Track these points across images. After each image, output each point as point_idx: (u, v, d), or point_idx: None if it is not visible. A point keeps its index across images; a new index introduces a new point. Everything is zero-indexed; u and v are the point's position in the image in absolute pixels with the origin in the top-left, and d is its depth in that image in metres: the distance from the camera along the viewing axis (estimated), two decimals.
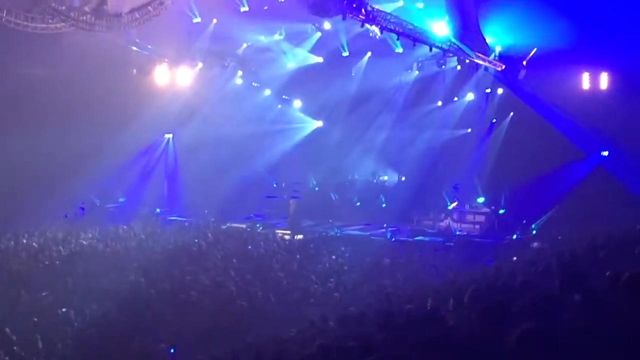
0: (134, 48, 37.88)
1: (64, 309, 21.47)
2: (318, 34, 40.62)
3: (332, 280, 25.50)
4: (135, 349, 18.36)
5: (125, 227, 37.09)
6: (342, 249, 32.51)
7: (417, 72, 41.07)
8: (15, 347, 18.24)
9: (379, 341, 10.61)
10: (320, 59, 42.43)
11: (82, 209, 40.29)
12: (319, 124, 47.19)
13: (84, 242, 32.48)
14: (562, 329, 7.88)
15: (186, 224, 39.35)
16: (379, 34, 33.68)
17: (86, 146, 38.13)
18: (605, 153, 36.40)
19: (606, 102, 34.32)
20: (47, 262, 27.96)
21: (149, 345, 18.54)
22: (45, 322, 20.50)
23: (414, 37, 32.80)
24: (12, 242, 31.77)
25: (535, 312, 9.00)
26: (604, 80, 35.27)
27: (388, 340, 10.65)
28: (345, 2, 29.36)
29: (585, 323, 7.89)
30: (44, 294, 23.21)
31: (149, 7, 28.73)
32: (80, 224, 37.11)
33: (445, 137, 43.03)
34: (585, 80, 35.53)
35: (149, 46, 38.41)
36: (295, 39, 41.62)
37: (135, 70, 39.44)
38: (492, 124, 41.94)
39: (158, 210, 43.40)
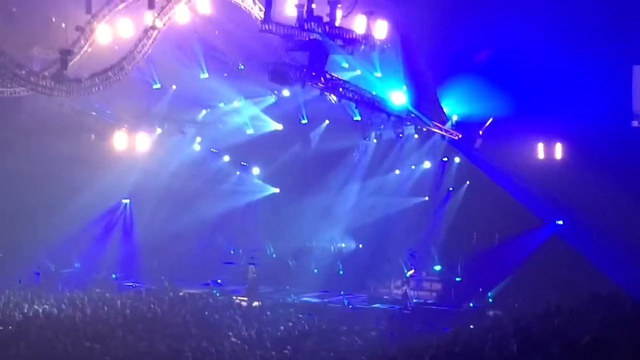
0: (93, 113, 37.80)
1: None
2: (274, 99, 40.80)
3: (288, 347, 25.27)
4: None
5: (80, 292, 36.63)
6: (300, 315, 32.32)
7: (375, 140, 41.32)
8: None
9: None
10: (279, 126, 42.64)
11: (37, 274, 39.89)
12: (275, 190, 47.26)
13: (38, 308, 32.02)
14: None
15: (142, 289, 38.94)
16: (336, 100, 33.92)
17: (42, 209, 37.90)
18: (560, 222, 36.74)
19: (561, 171, 34.78)
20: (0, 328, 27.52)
21: None
22: None
23: (372, 105, 33.15)
24: None
25: None
26: (559, 150, 35.76)
27: None
28: (305, 70, 29.66)
29: None
30: None
31: (110, 73, 28.68)
32: (35, 289, 36.66)
33: (402, 205, 43.21)
34: (540, 150, 35.99)
35: (108, 112, 38.36)
36: (255, 106, 41.83)
37: (93, 135, 39.33)
38: (449, 192, 42.30)
39: (114, 275, 42.98)
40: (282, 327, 29.55)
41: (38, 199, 37.57)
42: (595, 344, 8.50)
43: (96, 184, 40.71)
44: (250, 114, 42.08)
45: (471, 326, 25.93)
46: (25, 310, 31.29)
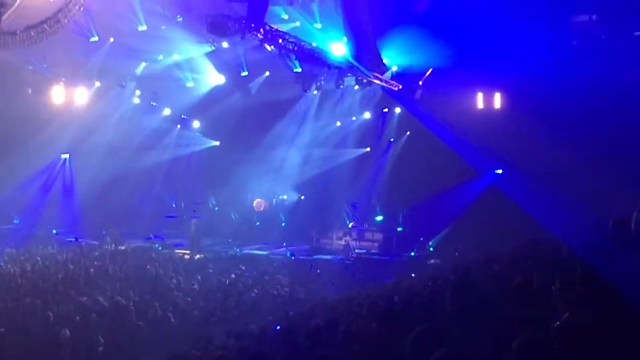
0: (30, 67, 37.19)
1: None
2: (212, 50, 40.35)
3: (231, 298, 25.37)
4: None
5: (20, 249, 36.32)
6: (242, 267, 32.44)
7: (315, 91, 41.22)
8: None
9: (281, 356, 10.67)
10: (221, 79, 42.23)
11: None
12: (215, 143, 47.06)
13: None
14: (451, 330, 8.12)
15: (83, 244, 38.71)
16: (276, 51, 33.74)
17: None
18: (499, 171, 37.08)
19: (499, 121, 35.00)
20: None
21: None
22: None
23: (312, 57, 33.07)
24: None
25: (427, 317, 9.21)
26: (497, 100, 35.88)
27: (288, 356, 10.71)
28: (244, 22, 29.46)
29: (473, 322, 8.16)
30: None
31: (45, 25, 28.18)
32: None
33: (343, 157, 43.41)
34: (479, 100, 36.08)
35: (45, 65, 37.74)
36: (194, 59, 41.38)
37: (30, 90, 38.71)
38: (390, 143, 42.49)
39: (54, 231, 42.69)
40: (225, 280, 29.66)
41: None
42: (525, 285, 8.77)
43: (34, 139, 40.19)
44: (190, 66, 41.61)
45: (412, 275, 26.20)
46: None
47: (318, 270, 32.46)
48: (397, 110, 41.39)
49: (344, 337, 10.72)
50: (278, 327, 14.88)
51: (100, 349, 18.64)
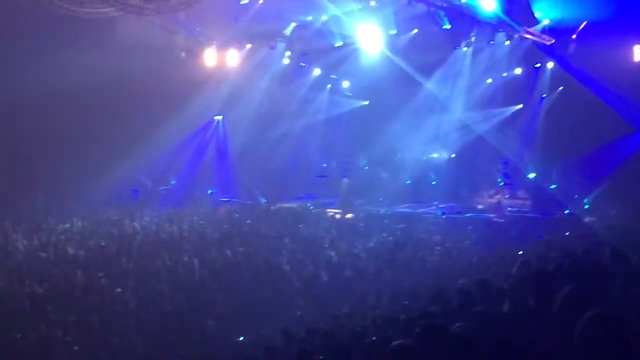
0: (182, 31, 38.09)
1: (119, 289, 21.77)
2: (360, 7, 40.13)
3: (383, 258, 25.51)
4: (189, 327, 18.64)
5: (178, 208, 37.45)
6: (393, 227, 32.55)
7: (465, 48, 40.61)
8: (71, 328, 18.54)
9: (432, 314, 10.71)
10: (370, 38, 42.03)
11: (136, 191, 40.77)
12: (364, 102, 46.98)
13: (137, 225, 32.88)
14: (611, 295, 7.93)
15: (237, 204, 39.59)
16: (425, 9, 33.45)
17: (137, 130, 38.48)
18: None
19: None
20: (102, 244, 28.36)
21: (202, 322, 18.83)
22: (101, 303, 20.80)
23: (461, 13, 32.64)
24: (68, 225, 32.31)
25: (582, 277, 9.04)
26: None
27: (440, 313, 10.76)
28: None
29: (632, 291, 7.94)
30: (99, 274, 23.50)
31: None
32: (133, 207, 37.58)
33: (495, 114, 42.68)
34: (636, 53, 34.85)
35: (197, 29, 38.59)
36: (342, 18, 41.37)
37: (184, 54, 39.64)
38: (542, 99, 41.51)
39: (210, 191, 43.70)
40: (375, 238, 29.84)
41: (133, 119, 38.19)
42: None
43: (189, 101, 41.07)
44: (339, 26, 41.62)
45: (566, 233, 25.73)
46: (125, 227, 32.18)
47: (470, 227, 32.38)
48: (550, 65, 40.28)
49: (496, 296, 10.69)
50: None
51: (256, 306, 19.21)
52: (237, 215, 36.29)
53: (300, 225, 32.78)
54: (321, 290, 21.47)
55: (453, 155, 44.86)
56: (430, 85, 43.15)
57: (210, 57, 39.37)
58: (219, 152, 47.22)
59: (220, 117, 47.00)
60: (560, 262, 12.21)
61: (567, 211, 35.03)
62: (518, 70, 41.51)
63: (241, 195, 42.74)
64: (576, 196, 36.17)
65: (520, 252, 20.36)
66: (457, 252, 26.59)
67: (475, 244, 28.23)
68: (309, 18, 40.73)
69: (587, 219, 32.23)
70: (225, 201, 41.93)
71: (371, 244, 28.62)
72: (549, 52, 37.16)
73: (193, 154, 45.76)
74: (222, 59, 40.18)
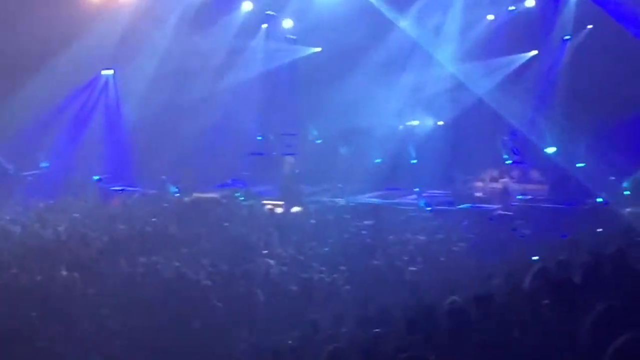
0: None
1: None
2: None
3: (343, 267, 25.57)
4: None
5: (51, 201, 37.19)
6: (357, 224, 32.62)
7: None
8: None
9: (412, 345, 10.79)
10: None
11: None
12: (316, 49, 46.76)
13: None
14: None
15: (136, 195, 39.41)
16: None
17: None
18: None
19: None
20: None
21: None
22: None
23: None
24: None
25: (619, 291, 9.14)
26: None
27: (423, 345, 10.83)
28: None
29: None
30: None
31: None
32: None
33: (499, 65, 42.83)
34: None
35: None
36: None
37: None
38: (564, 42, 41.78)
39: (96, 177, 43.37)
40: (332, 241, 29.89)
41: None
42: None
43: (64, 52, 40.76)
44: None
45: (598, 230, 25.99)
46: None
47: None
48: None
49: (501, 318, 10.79)
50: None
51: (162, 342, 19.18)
52: (135, 210, 36.14)
53: (226, 224, 32.72)
54: (256, 314, 21.49)
55: (441, 124, 45.02)
56: (406, 24, 43.18)
57: None
58: (108, 122, 46.92)
59: (109, 72, 46.62)
60: (590, 270, 12.37)
61: (599, 199, 35.37)
62: (530, 2, 41.72)
63: (141, 182, 42.50)
64: (612, 179, 36.51)
65: (535, 258, 20.53)
66: (448, 259, 26.72)
67: (473, 247, 28.38)
68: None
69: (627, 210, 32.56)
70: (119, 191, 41.68)
71: (326, 249, 28.66)
72: None
73: (71, 125, 45.36)
74: None
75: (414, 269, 25.41)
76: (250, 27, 46.05)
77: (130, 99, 45.57)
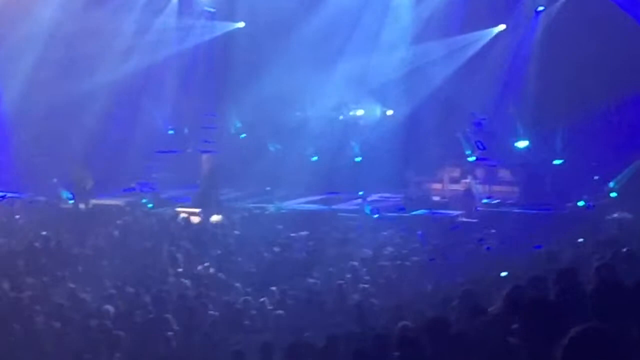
0: None
1: None
2: None
3: (273, 288, 25.63)
4: None
5: None
6: (289, 235, 32.70)
7: None
8: None
9: None
10: None
11: None
12: (239, 25, 46.69)
13: None
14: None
15: (21, 203, 39.27)
16: None
17: None
18: None
19: None
20: None
21: None
22: None
23: None
24: None
25: (602, 311, 9.25)
26: None
27: None
28: None
29: None
30: None
31: None
32: None
33: (459, 44, 43.00)
34: None
35: None
36: None
37: None
38: (537, 14, 42.05)
39: None
40: (260, 257, 29.94)
41: None
42: None
43: None
44: None
45: (579, 240, 26.22)
46: None
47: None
48: None
49: (459, 346, 10.88)
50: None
51: None
52: (21, 221, 36.00)
53: (131, 237, 32.70)
54: (169, 346, 21.46)
55: (390, 113, 45.13)
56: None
57: None
58: None
59: None
60: (569, 287, 12.49)
61: (581, 203, 35.66)
62: None
63: (28, 187, 42.30)
64: (596, 177, 36.81)
65: (504, 274, 20.70)
66: (398, 276, 26.85)
67: (429, 261, 28.54)
68: None
69: (614, 216, 32.85)
70: (0, 198, 41.48)
71: (252, 268, 28.73)
72: None
73: None
74: None
75: (357, 287, 25.55)
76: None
77: (10, 88, 45.23)
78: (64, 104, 43.41)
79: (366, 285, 25.81)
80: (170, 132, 46.39)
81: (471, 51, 42.76)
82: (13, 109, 44.92)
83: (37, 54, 42.99)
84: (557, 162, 38.70)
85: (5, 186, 42.86)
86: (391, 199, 38.91)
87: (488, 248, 29.85)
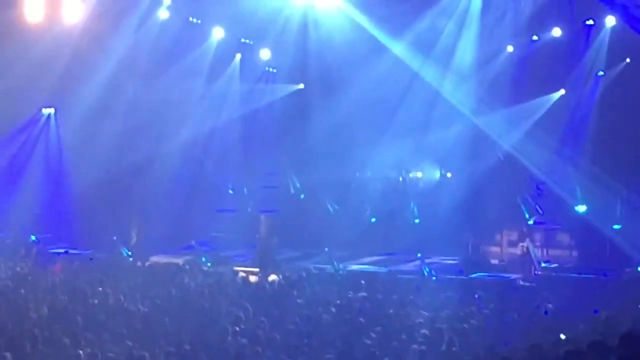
0: None
1: None
2: None
3: (329, 353, 25.47)
4: None
5: None
6: (347, 296, 32.58)
7: None
8: None
9: None
10: None
11: None
12: (298, 86, 46.72)
13: None
14: None
15: (80, 259, 39.31)
16: None
17: None
18: None
19: None
20: None
21: None
22: None
23: None
24: None
25: None
26: None
27: None
28: None
29: None
30: None
31: None
32: None
33: (522, 112, 42.81)
34: None
35: None
36: None
37: None
38: (597, 78, 41.89)
39: (33, 237, 43.25)
40: (319, 318, 29.82)
41: None
42: None
43: None
44: None
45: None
46: None
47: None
48: (610, 21, 40.80)
49: None
50: None
51: None
52: (80, 278, 36.02)
53: (189, 295, 32.67)
54: None
55: (449, 175, 45.03)
56: (405, 55, 43.23)
57: (34, 5, 39.07)
58: (49, 170, 46.77)
59: (51, 111, 46.52)
60: (630, 354, 12.37)
61: None
62: (557, 32, 41.88)
63: (87, 244, 42.32)
64: None
65: (563, 337, 20.53)
66: (458, 338, 26.69)
67: (488, 324, 28.38)
68: None
69: None
70: (60, 254, 41.50)
71: (310, 326, 28.61)
72: (609, 2, 37.68)
73: (2, 174, 45.24)
74: (54, 10, 39.90)
75: (415, 349, 25.41)
76: (220, 58, 45.94)
77: (74, 144, 45.35)
78: (129, 164, 43.54)
79: (422, 347, 25.70)
80: (230, 191, 46.39)
81: (531, 119, 42.60)
82: (77, 164, 45.02)
83: (102, 109, 43.05)
84: (616, 226, 38.48)
85: (67, 242, 43.02)
86: (449, 262, 38.65)
87: (546, 312, 29.66)
